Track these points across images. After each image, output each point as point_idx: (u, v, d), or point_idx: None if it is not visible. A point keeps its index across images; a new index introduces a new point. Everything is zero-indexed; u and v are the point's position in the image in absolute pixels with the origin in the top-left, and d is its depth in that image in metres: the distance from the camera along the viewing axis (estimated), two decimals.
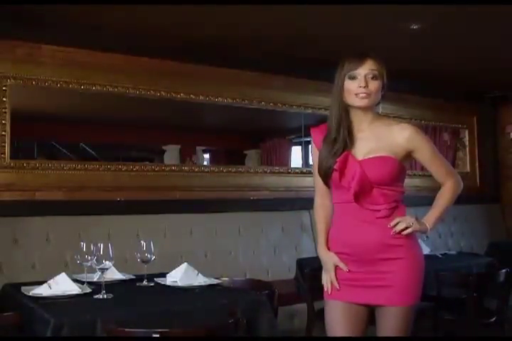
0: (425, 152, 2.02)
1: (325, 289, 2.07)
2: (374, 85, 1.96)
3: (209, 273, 2.85)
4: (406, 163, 2.04)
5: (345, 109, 2.01)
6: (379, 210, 1.96)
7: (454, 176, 2.08)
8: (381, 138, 2.00)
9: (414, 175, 4.99)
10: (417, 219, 1.99)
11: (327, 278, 2.06)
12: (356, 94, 1.96)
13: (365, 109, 1.99)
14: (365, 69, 1.95)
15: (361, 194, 1.96)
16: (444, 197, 2.06)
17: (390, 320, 1.97)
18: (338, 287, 2.01)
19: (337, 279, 2.03)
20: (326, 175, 2.03)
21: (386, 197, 1.97)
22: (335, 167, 1.97)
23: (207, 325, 1.99)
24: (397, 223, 1.95)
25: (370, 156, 1.97)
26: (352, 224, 2.00)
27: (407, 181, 2.08)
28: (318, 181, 2.10)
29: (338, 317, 2.01)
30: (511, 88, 5.90)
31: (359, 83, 1.95)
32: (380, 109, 2.09)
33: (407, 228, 1.95)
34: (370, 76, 1.95)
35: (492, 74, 5.31)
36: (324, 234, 2.11)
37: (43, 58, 3.74)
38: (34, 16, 3.52)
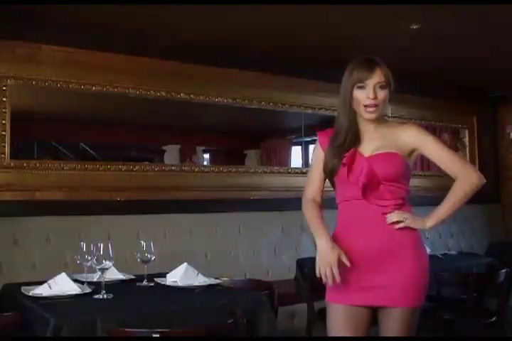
0: (432, 147, 2.01)
1: (324, 281, 1.94)
2: (382, 95, 1.97)
3: (209, 273, 2.85)
4: (410, 162, 2.04)
5: (354, 114, 2.03)
6: (386, 206, 1.96)
7: (466, 168, 2.00)
8: (386, 137, 2.02)
9: (414, 175, 4.97)
10: (414, 217, 1.97)
11: (328, 272, 1.90)
12: (365, 106, 1.97)
13: None
14: (374, 80, 1.96)
15: (368, 189, 1.96)
16: (453, 191, 1.99)
17: (392, 322, 1.96)
18: (339, 280, 1.90)
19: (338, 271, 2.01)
20: (331, 172, 2.03)
21: (393, 193, 1.97)
22: (343, 161, 1.98)
23: (207, 325, 1.99)
24: (389, 218, 1.95)
25: (377, 152, 1.99)
26: (357, 221, 1.99)
27: None
28: (314, 176, 2.11)
29: (340, 322, 2.00)
30: (511, 88, 5.91)
31: (368, 94, 1.96)
32: (390, 110, 2.10)
33: (399, 222, 1.95)
34: (379, 86, 1.97)
35: (492, 74, 5.31)
36: (324, 225, 2.01)
37: (43, 58, 3.74)
38: (34, 16, 3.52)
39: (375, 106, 1.97)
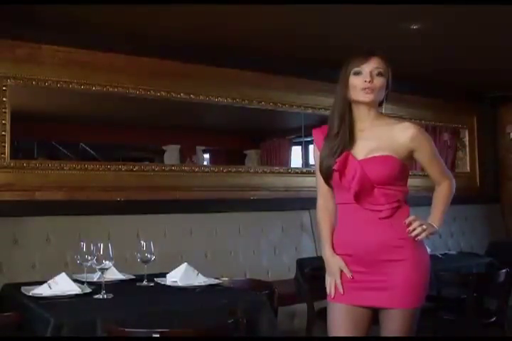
0: (426, 152, 2.01)
1: (328, 292, 2.04)
2: (379, 81, 1.96)
3: (209, 273, 2.85)
4: (408, 162, 2.02)
5: (349, 106, 2.01)
6: (381, 210, 1.94)
7: (450, 178, 2.08)
8: (382, 137, 1.98)
9: (414, 175, 4.96)
10: (426, 222, 1.96)
11: (331, 282, 2.03)
12: (361, 89, 1.95)
13: (368, 105, 1.99)
14: (370, 65, 1.95)
15: (362, 194, 1.94)
16: (442, 198, 2.06)
17: (392, 323, 1.96)
18: (342, 292, 1.99)
19: (341, 282, 2.02)
20: (326, 175, 2.02)
21: (388, 197, 1.95)
22: (334, 167, 1.96)
23: (207, 325, 1.99)
24: (412, 221, 1.92)
25: (371, 156, 1.96)
26: (354, 224, 1.98)
27: None
28: (320, 182, 2.08)
29: (340, 321, 2.00)
30: (511, 88, 5.90)
31: (364, 78, 1.95)
32: (384, 110, 2.08)
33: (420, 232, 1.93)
34: (375, 72, 1.96)
35: (492, 74, 5.31)
36: (329, 237, 2.07)
37: (43, 58, 3.74)
38: (34, 16, 3.52)
39: (372, 89, 1.95)
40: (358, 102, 1.99)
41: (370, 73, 1.95)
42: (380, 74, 1.96)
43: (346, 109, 2.01)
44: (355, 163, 1.95)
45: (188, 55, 4.24)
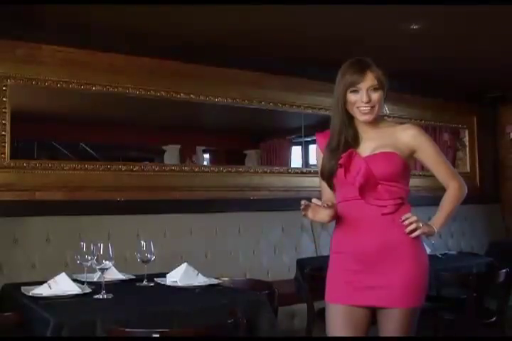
0: (429, 152, 2.03)
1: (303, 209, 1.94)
2: (376, 96, 1.97)
3: (209, 273, 2.84)
4: (410, 162, 2.04)
5: (348, 117, 2.03)
6: (384, 206, 1.96)
7: (458, 178, 2.09)
8: (385, 137, 2.01)
9: (414, 175, 4.97)
10: (426, 223, 1.99)
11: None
12: (359, 108, 1.97)
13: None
14: (367, 83, 1.96)
15: (366, 189, 1.96)
16: (449, 199, 2.07)
17: (391, 323, 1.96)
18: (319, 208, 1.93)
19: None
20: (329, 174, 2.03)
21: (391, 193, 1.97)
22: (340, 162, 1.98)
23: (207, 325, 1.99)
24: (407, 218, 1.95)
25: (375, 152, 1.99)
26: (356, 221, 1.99)
27: None
28: (325, 187, 2.11)
29: (339, 322, 2.00)
30: (511, 88, 5.91)
31: (361, 98, 1.96)
32: (386, 109, 2.09)
33: (415, 229, 1.95)
34: (372, 89, 1.97)
35: (492, 74, 5.31)
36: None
37: (43, 58, 3.74)
38: (34, 16, 3.52)
39: (370, 107, 1.97)
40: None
41: (367, 91, 1.96)
42: (376, 89, 1.97)
43: (344, 123, 2.02)
44: (359, 159, 1.98)
45: (188, 55, 4.24)
